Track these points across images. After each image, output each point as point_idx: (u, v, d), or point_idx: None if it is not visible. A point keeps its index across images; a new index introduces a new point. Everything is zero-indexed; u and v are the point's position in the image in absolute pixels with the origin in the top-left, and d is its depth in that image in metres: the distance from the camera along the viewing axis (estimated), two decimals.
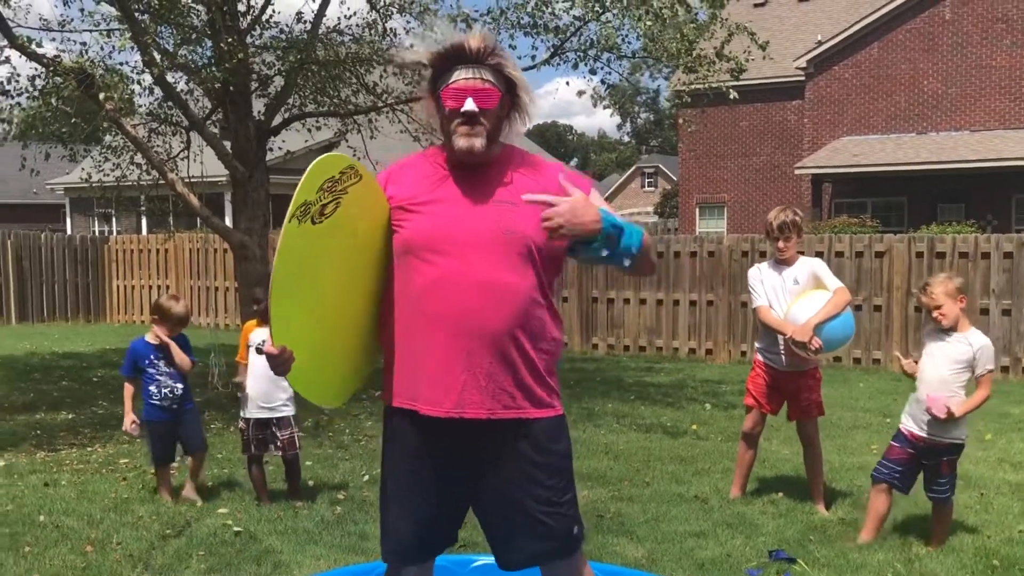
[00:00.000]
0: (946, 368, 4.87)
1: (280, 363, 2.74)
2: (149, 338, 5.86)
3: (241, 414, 5.88)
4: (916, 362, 5.06)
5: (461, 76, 2.84)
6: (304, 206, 2.69)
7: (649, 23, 8.69)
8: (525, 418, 2.89)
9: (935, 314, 4.89)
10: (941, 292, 4.85)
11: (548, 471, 2.93)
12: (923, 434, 4.92)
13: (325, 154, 2.79)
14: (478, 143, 2.84)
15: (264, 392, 5.76)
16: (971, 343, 4.87)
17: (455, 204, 2.87)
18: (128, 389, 5.87)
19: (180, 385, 5.88)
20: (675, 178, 38.65)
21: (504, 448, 2.89)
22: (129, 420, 5.79)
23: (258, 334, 5.78)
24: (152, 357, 5.81)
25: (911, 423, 5.00)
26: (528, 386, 2.88)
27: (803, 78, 25.43)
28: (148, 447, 5.94)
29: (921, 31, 23.63)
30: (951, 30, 23.32)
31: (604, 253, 2.73)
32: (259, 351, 5.75)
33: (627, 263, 2.79)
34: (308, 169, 2.70)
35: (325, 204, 2.74)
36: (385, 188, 2.96)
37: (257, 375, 5.76)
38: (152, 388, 5.80)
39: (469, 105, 2.81)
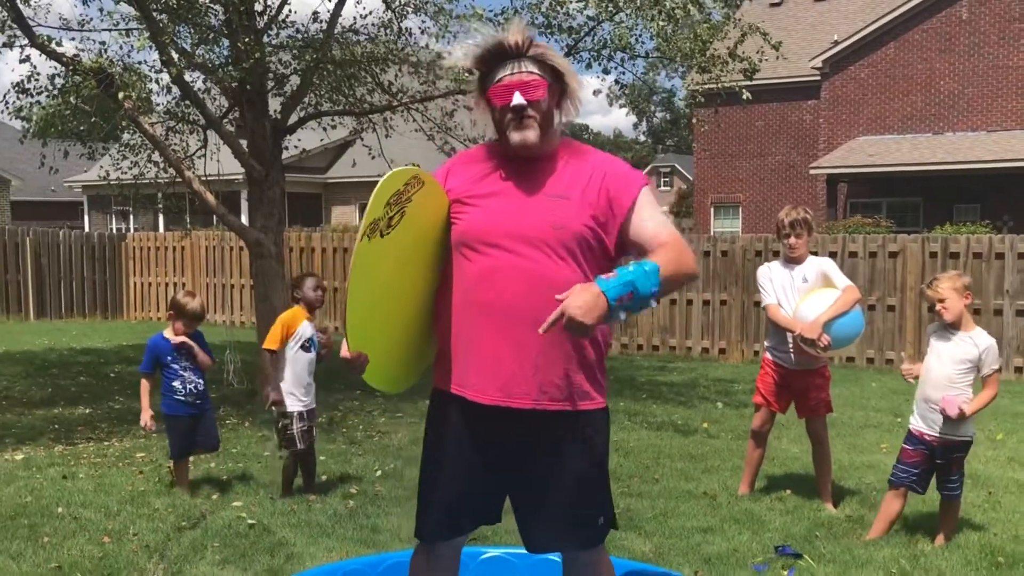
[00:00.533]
0: (952, 368, 4.91)
1: (356, 368, 2.88)
2: (167, 334, 5.94)
3: (284, 410, 5.82)
4: (917, 364, 5.11)
5: (506, 72, 2.92)
6: (373, 223, 2.81)
7: (662, 23, 8.73)
8: (570, 410, 2.96)
9: (938, 307, 4.94)
10: (948, 287, 4.90)
11: (587, 463, 3.02)
12: (935, 433, 4.96)
13: (392, 171, 2.88)
14: (531, 135, 2.92)
15: (306, 386, 5.86)
16: (977, 343, 4.91)
17: (508, 198, 2.96)
18: (144, 385, 5.91)
19: (201, 381, 5.97)
20: (691, 177, 38.60)
21: (546, 438, 2.98)
22: (148, 415, 5.86)
23: (306, 328, 5.86)
24: (174, 353, 5.90)
25: (921, 423, 5.04)
26: (575, 379, 2.95)
27: (819, 78, 25.41)
28: (168, 441, 6.01)
29: (938, 31, 23.58)
30: (968, 30, 23.26)
31: (624, 316, 2.75)
32: (305, 349, 5.83)
33: (654, 303, 2.80)
34: (377, 187, 2.81)
35: (391, 216, 2.85)
36: (445, 180, 3.07)
37: (299, 369, 5.83)
38: (176, 384, 5.87)
39: (517, 99, 2.89)
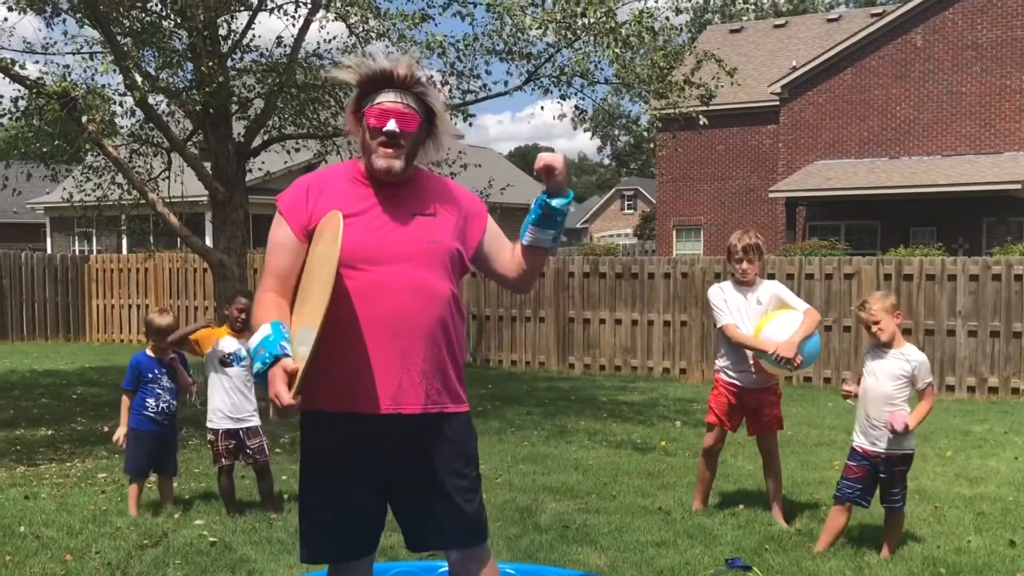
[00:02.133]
0: (889, 384, 5.10)
1: (289, 414, 2.88)
2: (150, 352, 6.03)
3: (208, 426, 6.02)
4: (857, 383, 5.29)
5: (387, 98, 3.11)
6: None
7: (618, 50, 8.94)
8: (448, 412, 3.16)
9: (874, 329, 5.12)
10: (879, 308, 5.09)
11: (465, 460, 3.21)
12: (878, 449, 5.13)
13: (335, 238, 2.99)
14: (396, 164, 3.11)
15: (232, 403, 5.94)
16: (909, 359, 5.12)
17: (381, 215, 3.13)
18: (125, 401, 6.02)
19: (174, 402, 6.06)
20: (654, 200, 38.96)
21: (429, 440, 3.13)
22: (123, 432, 5.95)
23: (228, 343, 5.94)
24: (156, 371, 5.99)
25: (863, 440, 5.20)
26: (451, 383, 3.17)
27: (778, 103, 25.83)
28: (126, 454, 6.05)
29: (893, 58, 24.07)
30: (922, 57, 23.76)
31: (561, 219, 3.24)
32: (224, 364, 5.92)
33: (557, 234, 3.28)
34: (330, 225, 3.04)
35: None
36: (306, 198, 3.16)
37: (226, 387, 5.93)
38: (150, 400, 5.96)
39: (391, 125, 3.07)
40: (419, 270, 3.08)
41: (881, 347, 5.16)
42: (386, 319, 3.03)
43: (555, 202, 3.20)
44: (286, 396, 2.81)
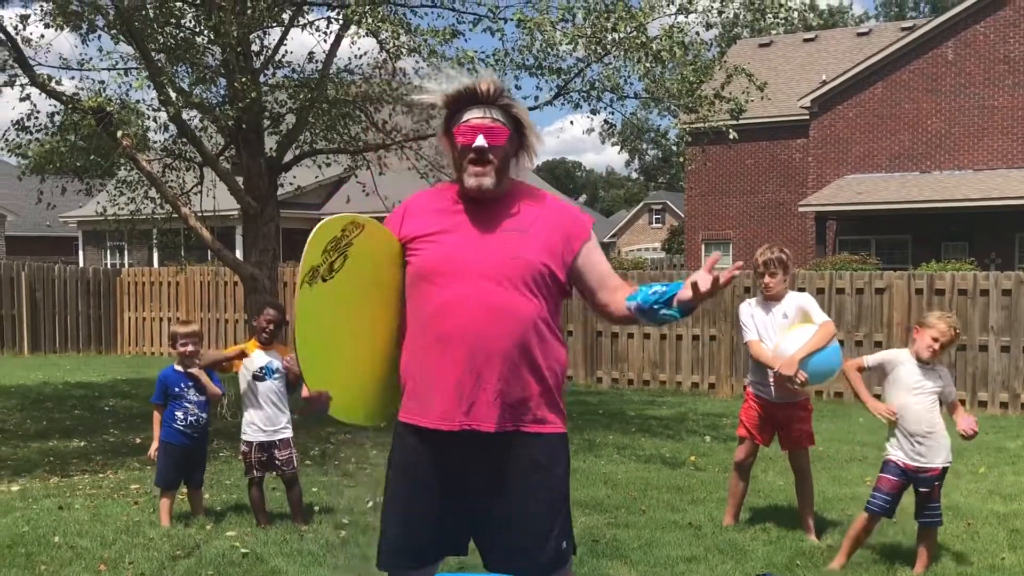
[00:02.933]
0: (928, 400, 5.13)
1: (318, 405, 3.04)
2: (177, 366, 6.09)
3: (242, 438, 6.06)
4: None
5: (473, 115, 3.09)
6: (312, 271, 2.99)
7: (648, 65, 8.95)
8: (529, 432, 3.10)
9: (935, 348, 5.09)
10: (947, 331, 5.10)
11: (547, 485, 3.13)
12: (916, 464, 5.11)
13: (322, 220, 3.07)
14: (487, 181, 3.08)
15: (267, 416, 5.97)
16: (941, 374, 5.17)
17: (465, 233, 3.11)
18: (156, 417, 6.10)
19: (204, 415, 6.10)
20: (682, 215, 38.88)
21: (507, 462, 3.09)
22: (155, 446, 6.02)
23: (258, 358, 5.98)
24: (183, 384, 6.05)
25: (902, 455, 5.17)
26: (534, 404, 3.10)
27: (807, 117, 25.74)
28: (157, 466, 6.12)
29: (924, 72, 23.95)
30: (954, 71, 23.63)
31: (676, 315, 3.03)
32: (258, 378, 5.96)
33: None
34: (309, 238, 3.00)
35: (332, 262, 3.02)
36: (401, 220, 3.22)
37: (260, 400, 5.97)
38: (179, 413, 6.02)
39: (480, 141, 3.05)
40: (498, 288, 3.03)
41: (923, 363, 5.15)
42: (462, 337, 3.02)
43: (663, 312, 3.02)
44: (304, 391, 3.04)
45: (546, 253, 3.11)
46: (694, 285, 2.93)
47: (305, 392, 3.05)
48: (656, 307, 3.02)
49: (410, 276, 3.15)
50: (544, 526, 3.13)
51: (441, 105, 3.14)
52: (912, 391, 5.15)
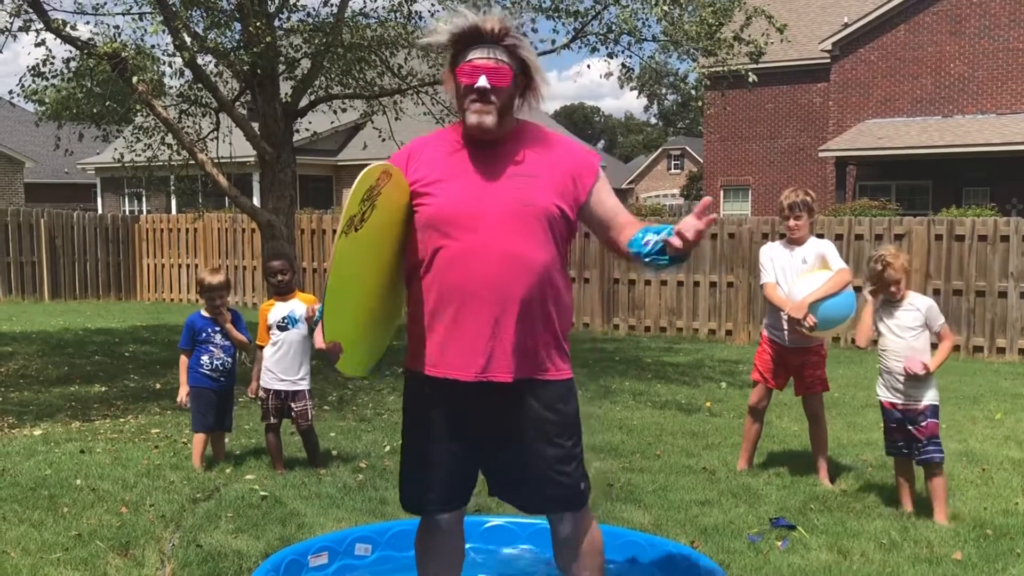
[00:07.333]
0: (909, 335, 5.14)
1: (332, 357, 3.06)
2: (204, 312, 6.14)
3: (261, 384, 6.12)
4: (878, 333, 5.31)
5: (477, 55, 3.05)
6: (350, 220, 2.96)
7: (666, 7, 8.84)
8: (543, 380, 3.14)
9: (893, 288, 5.13)
10: (901, 267, 5.10)
11: (560, 429, 3.18)
12: (898, 401, 5.17)
13: (366, 168, 3.01)
14: (488, 120, 3.05)
15: (285, 367, 6.01)
16: (918, 307, 5.16)
17: (473, 179, 3.09)
18: (183, 361, 6.16)
19: (230, 359, 6.17)
20: (701, 160, 38.61)
21: (522, 408, 3.13)
22: (184, 392, 6.09)
23: (278, 310, 6.01)
24: (210, 330, 6.10)
25: (886, 393, 5.24)
26: (547, 350, 3.14)
27: (828, 60, 25.41)
28: (193, 413, 6.19)
29: (948, 13, 23.55)
30: (978, 12, 23.22)
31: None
32: (281, 328, 5.98)
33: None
34: (354, 186, 2.95)
35: (364, 211, 3.00)
36: (406, 166, 3.18)
37: (281, 350, 6.00)
38: (204, 358, 6.08)
39: (482, 81, 3.02)
40: (512, 236, 3.02)
41: (892, 303, 5.19)
42: (477, 287, 3.02)
43: (654, 260, 3.04)
44: (319, 341, 3.06)
45: (557, 195, 3.10)
46: (680, 234, 2.92)
47: (320, 343, 3.05)
48: (646, 257, 3.04)
49: (420, 224, 3.12)
50: (557, 467, 3.17)
51: (446, 43, 3.10)
52: (891, 331, 5.20)
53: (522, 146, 3.14)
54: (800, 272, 5.76)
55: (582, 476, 3.26)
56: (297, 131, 11.01)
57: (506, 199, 3.05)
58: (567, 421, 3.21)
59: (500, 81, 3.04)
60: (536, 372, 3.12)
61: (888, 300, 5.22)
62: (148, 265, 19.26)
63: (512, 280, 3.02)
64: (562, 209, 3.10)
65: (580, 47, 10.16)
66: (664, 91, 72.89)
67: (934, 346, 5.22)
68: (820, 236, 6.05)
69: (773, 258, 5.89)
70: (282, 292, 6.07)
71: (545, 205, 3.06)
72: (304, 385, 6.08)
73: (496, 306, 3.03)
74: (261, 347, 6.09)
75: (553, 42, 10.13)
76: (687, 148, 60.12)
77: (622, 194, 58.56)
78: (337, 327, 3.04)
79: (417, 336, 3.18)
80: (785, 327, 5.77)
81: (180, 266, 18.78)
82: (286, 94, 10.55)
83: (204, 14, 10.17)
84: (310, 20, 11.05)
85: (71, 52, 10.24)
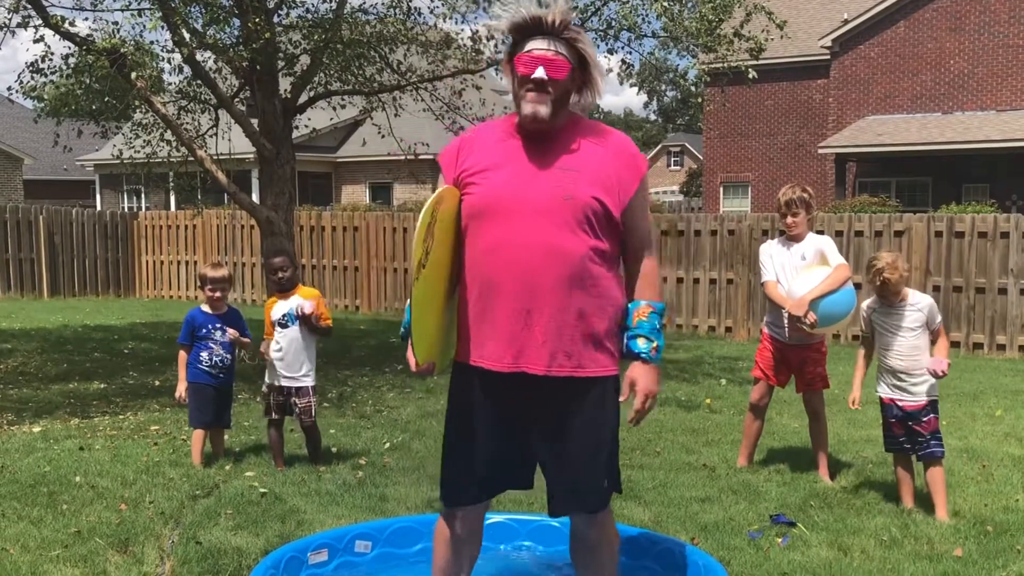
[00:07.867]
0: (910, 335, 5.15)
1: (427, 373, 3.20)
2: (205, 307, 6.12)
3: (265, 380, 6.11)
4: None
5: (536, 46, 3.05)
6: (419, 264, 3.03)
7: (665, 3, 8.82)
8: (578, 376, 3.11)
9: (893, 296, 5.16)
10: (899, 278, 5.11)
11: (596, 427, 3.15)
12: (898, 397, 5.19)
13: (423, 209, 3.05)
14: (543, 110, 3.05)
15: (289, 363, 5.99)
16: (920, 307, 5.17)
17: (518, 169, 3.10)
18: (182, 357, 6.15)
19: (229, 356, 6.16)
20: (700, 157, 38.60)
21: (557, 403, 3.12)
22: (183, 387, 6.08)
23: (280, 308, 6.00)
24: (210, 326, 6.10)
25: (886, 390, 5.26)
26: (585, 346, 3.09)
27: (828, 57, 25.40)
28: (190, 409, 6.18)
29: (948, 10, 23.53)
30: (978, 9, 23.21)
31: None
32: (282, 325, 5.97)
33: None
34: (416, 231, 3.01)
35: (428, 246, 3.06)
36: (457, 154, 3.21)
37: (284, 347, 5.99)
38: (204, 354, 6.08)
39: (539, 73, 3.02)
40: (551, 227, 3.02)
41: (890, 305, 5.20)
42: (513, 276, 3.03)
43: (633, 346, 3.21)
44: (411, 362, 3.17)
45: (600, 188, 3.07)
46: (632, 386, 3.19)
47: (413, 366, 3.15)
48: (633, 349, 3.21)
49: (465, 214, 3.14)
50: (588, 469, 3.16)
51: (506, 32, 3.11)
52: (887, 331, 5.21)
53: (574, 140, 3.14)
54: (799, 269, 5.75)
55: (612, 477, 3.25)
56: (296, 127, 10.99)
57: (547, 191, 3.05)
58: (602, 420, 3.17)
59: (557, 73, 3.04)
60: (572, 367, 3.09)
61: (884, 303, 5.24)
62: (147, 262, 19.24)
63: (545, 272, 3.01)
64: (604, 204, 3.08)
65: None
66: (664, 87, 72.87)
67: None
68: (820, 232, 6.04)
69: (772, 256, 5.89)
70: (283, 289, 6.06)
71: (587, 200, 3.05)
72: (308, 381, 6.06)
73: (527, 297, 3.03)
74: (269, 340, 6.07)
75: None
76: (687, 145, 60.08)
77: None
78: (424, 345, 3.13)
79: (463, 325, 3.20)
80: (786, 324, 5.77)
81: (179, 263, 18.75)
82: (285, 90, 10.53)
83: (203, 10, 10.14)
84: (309, 16, 11.02)
85: (70, 48, 10.22)
